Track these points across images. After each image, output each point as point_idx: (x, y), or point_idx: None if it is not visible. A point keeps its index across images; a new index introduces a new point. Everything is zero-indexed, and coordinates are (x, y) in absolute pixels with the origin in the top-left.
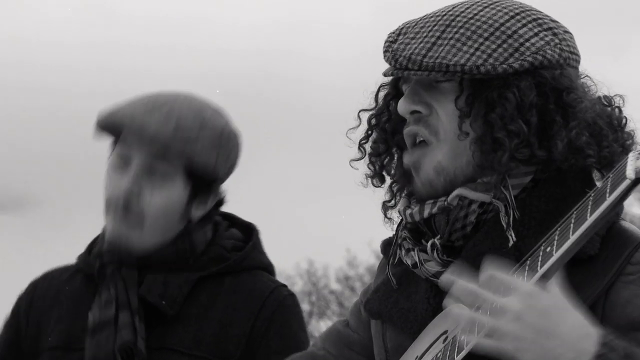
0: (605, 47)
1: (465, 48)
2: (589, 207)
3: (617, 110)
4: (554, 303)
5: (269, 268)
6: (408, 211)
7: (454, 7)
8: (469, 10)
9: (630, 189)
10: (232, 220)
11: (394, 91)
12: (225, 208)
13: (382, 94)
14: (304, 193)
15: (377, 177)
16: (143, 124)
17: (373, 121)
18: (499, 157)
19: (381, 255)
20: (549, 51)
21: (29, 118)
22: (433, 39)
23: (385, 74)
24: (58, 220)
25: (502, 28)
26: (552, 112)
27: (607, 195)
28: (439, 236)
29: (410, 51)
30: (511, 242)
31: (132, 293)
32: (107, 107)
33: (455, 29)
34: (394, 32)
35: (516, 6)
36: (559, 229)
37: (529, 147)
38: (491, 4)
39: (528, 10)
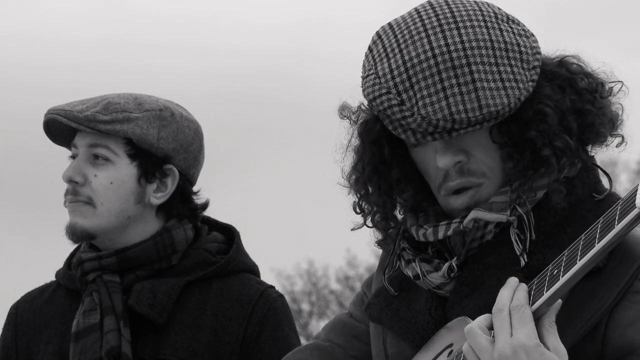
0: (616, 45)
1: (492, 85)
2: (597, 234)
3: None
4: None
5: (254, 269)
6: (421, 231)
7: (430, 41)
8: (451, 40)
9: (638, 218)
10: (210, 223)
11: (380, 133)
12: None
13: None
14: (305, 193)
15: (387, 231)
16: (73, 109)
17: (367, 171)
18: (540, 174)
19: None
20: (533, 44)
21: (38, 117)
22: (455, 89)
23: (419, 140)
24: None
25: (495, 44)
26: (580, 103)
27: (616, 223)
28: (455, 258)
29: (448, 111)
30: (523, 264)
31: (115, 298)
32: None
33: (464, 69)
34: (390, 92)
35: (474, 11)
36: (566, 252)
37: (574, 162)
38: (454, 23)
39: (484, 10)
